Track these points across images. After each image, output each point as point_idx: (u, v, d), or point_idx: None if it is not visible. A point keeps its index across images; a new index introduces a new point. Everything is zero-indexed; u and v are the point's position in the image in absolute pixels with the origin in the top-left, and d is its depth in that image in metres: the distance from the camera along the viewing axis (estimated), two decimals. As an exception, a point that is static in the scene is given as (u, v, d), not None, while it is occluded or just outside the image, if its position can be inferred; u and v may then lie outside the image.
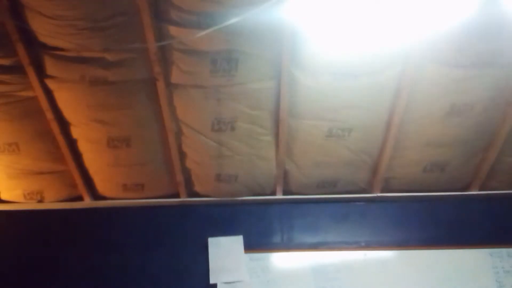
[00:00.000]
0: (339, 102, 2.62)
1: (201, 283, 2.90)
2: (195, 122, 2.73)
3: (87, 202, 3.11)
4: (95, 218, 3.10)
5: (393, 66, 2.48)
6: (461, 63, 2.46)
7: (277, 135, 2.79)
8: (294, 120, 2.71)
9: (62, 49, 2.39)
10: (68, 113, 2.69)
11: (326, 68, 2.47)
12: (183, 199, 3.11)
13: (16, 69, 2.47)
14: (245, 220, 3.06)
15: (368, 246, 3.00)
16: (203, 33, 2.22)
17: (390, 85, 2.56)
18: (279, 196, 3.11)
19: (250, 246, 2.96)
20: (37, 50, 2.41)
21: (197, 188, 3.10)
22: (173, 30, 2.30)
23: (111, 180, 3.03)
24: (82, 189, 3.05)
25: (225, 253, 2.95)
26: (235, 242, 2.97)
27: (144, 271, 2.96)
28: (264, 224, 3.06)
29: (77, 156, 2.89)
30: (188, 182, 3.05)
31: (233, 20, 2.14)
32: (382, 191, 3.09)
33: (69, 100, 2.62)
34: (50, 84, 2.54)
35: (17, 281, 2.98)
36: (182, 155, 2.90)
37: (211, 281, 2.89)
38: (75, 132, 2.78)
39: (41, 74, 2.50)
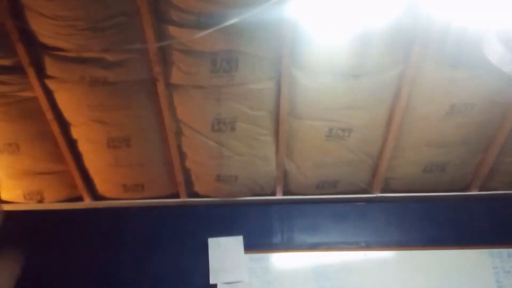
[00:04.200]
0: (339, 102, 2.62)
1: (201, 283, 2.90)
2: (195, 122, 2.73)
3: (87, 202, 3.11)
4: (95, 218, 3.10)
5: (393, 66, 2.48)
6: (461, 63, 2.46)
7: (277, 135, 2.79)
8: (294, 120, 2.71)
9: (62, 50, 2.39)
10: (68, 114, 2.68)
11: (326, 68, 2.47)
12: (183, 199, 3.11)
13: (16, 69, 2.47)
14: (245, 220, 3.06)
15: (368, 246, 3.00)
16: (203, 33, 2.22)
17: (390, 85, 2.56)
18: (279, 196, 3.11)
19: (250, 247, 2.96)
20: (37, 50, 2.41)
21: (197, 188, 3.10)
22: (173, 30, 2.30)
23: (111, 180, 3.03)
24: (82, 189, 3.05)
25: (225, 253, 2.94)
26: (235, 242, 2.97)
27: (144, 271, 2.95)
28: (264, 224, 3.06)
29: (77, 156, 2.89)
30: (188, 182, 3.05)
31: (233, 20, 2.14)
32: (382, 191, 3.09)
33: (69, 101, 2.62)
34: (50, 84, 2.54)
35: (17, 281, 2.98)
36: (182, 155, 2.90)
37: (211, 281, 2.88)
38: (75, 132, 2.78)
39: (41, 74, 2.50)
